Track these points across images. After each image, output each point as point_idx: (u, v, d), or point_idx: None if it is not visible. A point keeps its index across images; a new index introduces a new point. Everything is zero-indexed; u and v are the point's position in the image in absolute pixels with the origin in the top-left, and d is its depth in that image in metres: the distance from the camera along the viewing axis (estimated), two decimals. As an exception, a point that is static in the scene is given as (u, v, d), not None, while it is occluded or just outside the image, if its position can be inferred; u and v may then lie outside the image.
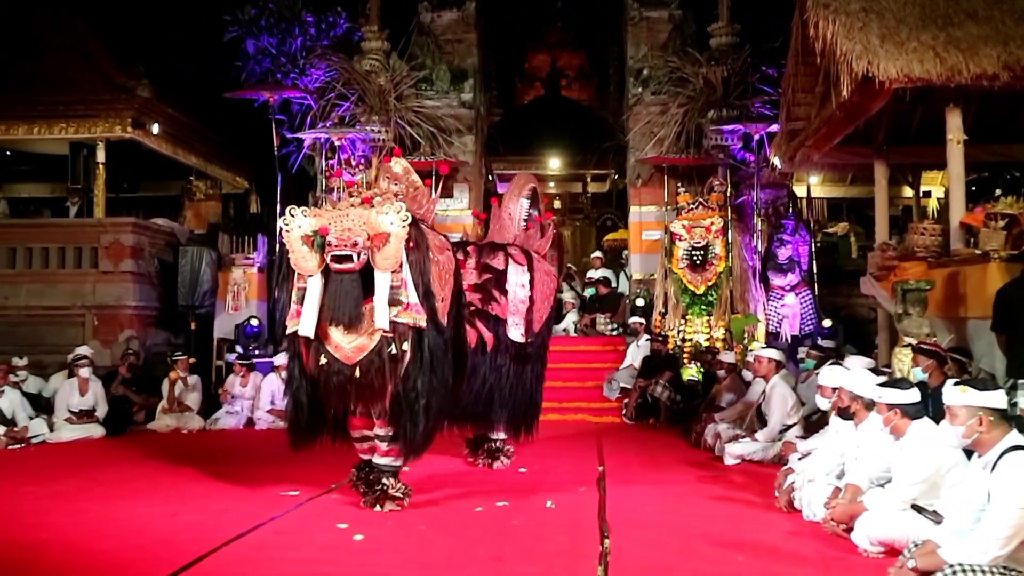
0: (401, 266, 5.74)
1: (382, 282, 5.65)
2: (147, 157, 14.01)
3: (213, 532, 5.15)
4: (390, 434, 5.95)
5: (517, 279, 7.38)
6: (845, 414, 5.61)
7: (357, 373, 5.69)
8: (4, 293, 12.29)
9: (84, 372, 10.28)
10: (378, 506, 5.84)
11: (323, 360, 5.73)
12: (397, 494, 5.92)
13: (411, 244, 5.78)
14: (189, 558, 4.57)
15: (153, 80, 12.91)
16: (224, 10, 13.96)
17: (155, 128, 13.28)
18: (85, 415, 10.13)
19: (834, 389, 6.01)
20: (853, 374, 5.69)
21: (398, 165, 6.50)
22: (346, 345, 5.70)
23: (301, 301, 5.74)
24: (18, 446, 9.25)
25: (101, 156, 12.93)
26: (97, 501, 6.22)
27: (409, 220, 5.73)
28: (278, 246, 5.94)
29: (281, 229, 5.77)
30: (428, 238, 6.08)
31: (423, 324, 5.79)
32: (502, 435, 7.74)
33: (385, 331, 5.65)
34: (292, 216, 5.77)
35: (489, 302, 7.15)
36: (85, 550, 4.88)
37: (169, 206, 15.71)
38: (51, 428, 9.90)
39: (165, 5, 15.18)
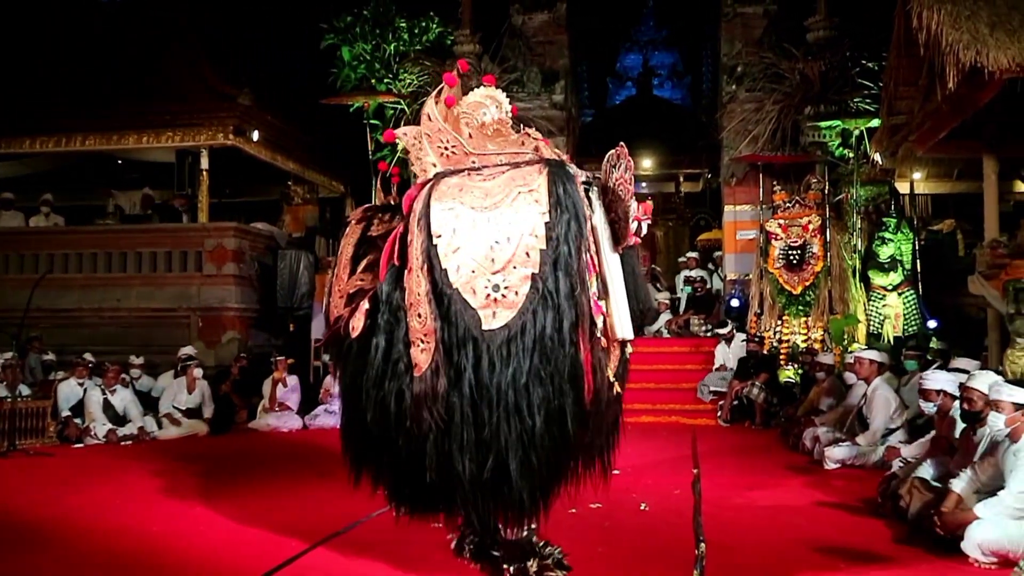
0: None
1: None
2: (247, 163, 14.39)
3: (312, 529, 5.25)
4: None
5: None
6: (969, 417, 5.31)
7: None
8: (117, 296, 12.81)
9: (197, 372, 10.68)
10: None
11: (598, 379, 3.89)
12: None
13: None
14: (288, 555, 4.68)
15: (252, 88, 13.29)
16: (320, 18, 14.29)
17: (255, 135, 13.67)
18: (191, 413, 10.54)
19: (938, 392, 5.81)
20: (983, 376, 5.27)
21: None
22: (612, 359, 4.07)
23: (603, 292, 3.95)
24: (128, 442, 9.67)
25: (205, 163, 13.34)
26: (203, 496, 6.44)
27: None
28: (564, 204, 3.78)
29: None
30: None
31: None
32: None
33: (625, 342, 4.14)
34: None
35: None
36: (195, 545, 5.06)
37: (268, 210, 16.15)
38: (159, 425, 10.32)
39: (263, 14, 15.61)
